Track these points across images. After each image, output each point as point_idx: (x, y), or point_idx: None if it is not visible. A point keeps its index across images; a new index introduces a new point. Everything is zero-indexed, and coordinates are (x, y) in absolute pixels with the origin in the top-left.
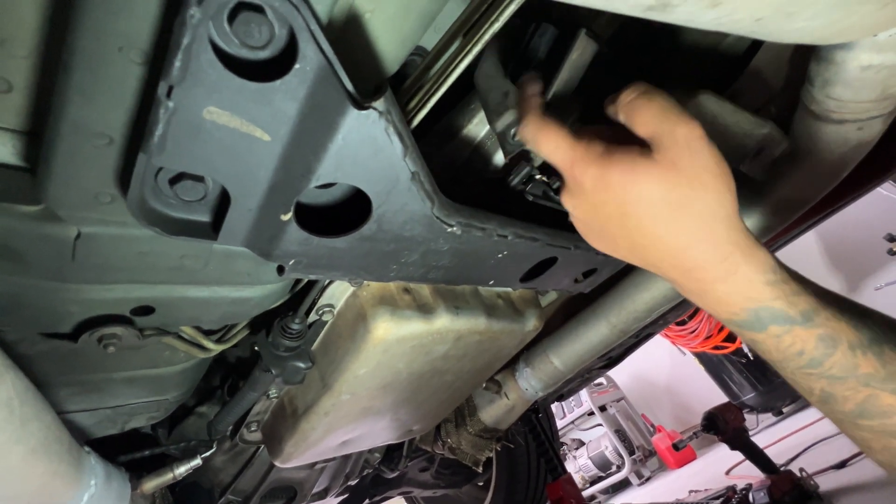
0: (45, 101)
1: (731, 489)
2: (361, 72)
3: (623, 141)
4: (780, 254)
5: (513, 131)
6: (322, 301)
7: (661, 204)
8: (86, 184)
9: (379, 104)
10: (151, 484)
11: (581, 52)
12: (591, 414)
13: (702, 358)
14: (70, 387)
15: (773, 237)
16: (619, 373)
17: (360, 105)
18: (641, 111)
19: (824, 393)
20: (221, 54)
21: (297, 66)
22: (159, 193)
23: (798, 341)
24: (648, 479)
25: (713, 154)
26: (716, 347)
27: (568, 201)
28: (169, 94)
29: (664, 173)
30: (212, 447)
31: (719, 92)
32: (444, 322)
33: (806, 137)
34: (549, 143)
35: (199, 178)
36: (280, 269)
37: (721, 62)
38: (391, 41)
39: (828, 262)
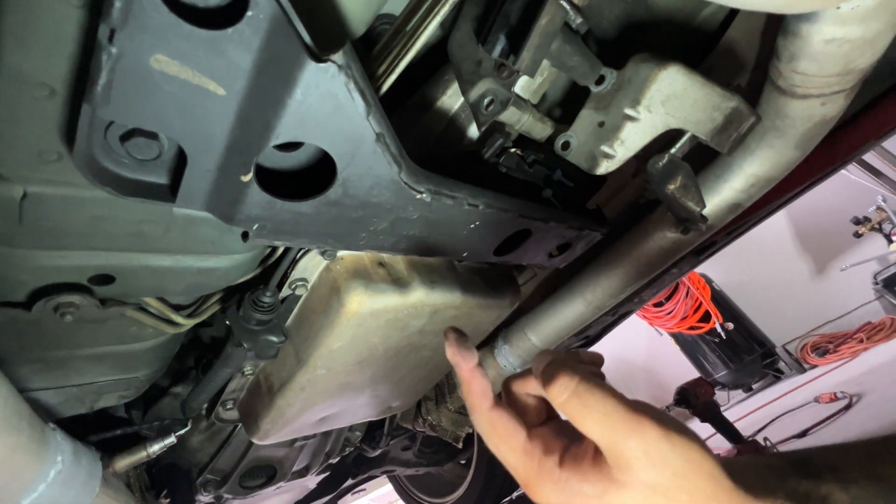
0: None
1: None
2: (323, 29)
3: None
4: (751, 233)
5: (486, 101)
6: (295, 275)
7: None
8: (28, 139)
9: (338, 57)
10: (124, 462)
11: (551, 17)
12: None
13: (678, 338)
14: (32, 364)
15: (741, 215)
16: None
17: (318, 57)
18: (582, 418)
19: None
20: None
21: (249, 13)
22: (109, 151)
23: None
24: None
25: (676, 449)
26: (691, 328)
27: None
28: (111, 39)
29: (636, 497)
30: (186, 425)
31: (693, 65)
32: (419, 296)
33: (773, 113)
34: (498, 450)
35: (153, 136)
36: (244, 235)
37: (695, 37)
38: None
39: (797, 244)
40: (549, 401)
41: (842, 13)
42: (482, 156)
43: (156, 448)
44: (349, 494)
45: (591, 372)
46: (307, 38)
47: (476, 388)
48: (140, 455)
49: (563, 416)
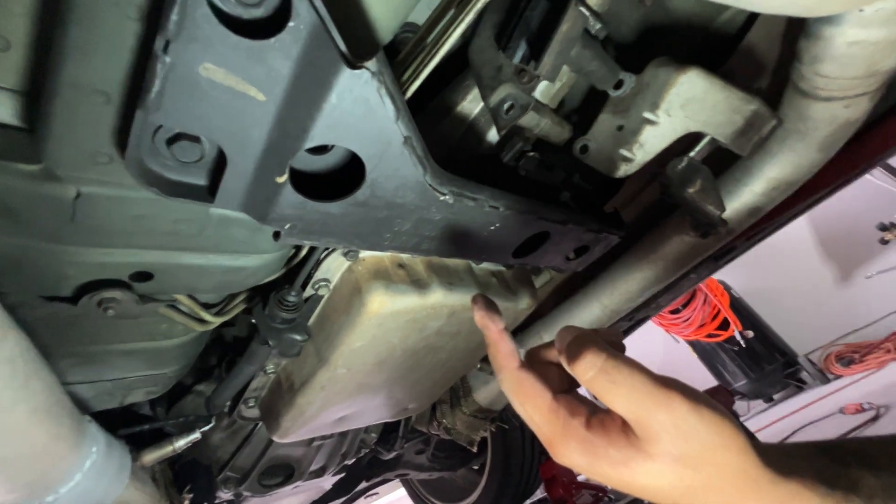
0: (42, 60)
1: None
2: (355, 37)
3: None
4: (772, 238)
5: (506, 106)
6: (318, 276)
7: (674, 493)
8: (84, 143)
9: (371, 64)
10: (151, 456)
11: (571, 23)
12: None
13: (695, 346)
14: (70, 358)
15: (762, 219)
16: None
17: (353, 64)
18: (610, 394)
19: None
20: (216, 10)
21: (290, 23)
22: (156, 154)
23: None
24: None
25: (706, 426)
26: (709, 335)
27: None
28: (165, 49)
29: (663, 468)
30: (210, 422)
31: (713, 68)
32: (437, 297)
33: (794, 116)
34: (524, 410)
35: (196, 140)
36: (276, 235)
37: (714, 41)
38: (384, 9)
39: (820, 251)
40: (573, 376)
41: (865, 15)
42: (501, 159)
43: (181, 443)
44: (362, 498)
45: (615, 348)
46: (343, 47)
47: (503, 349)
48: (166, 449)
49: (587, 393)
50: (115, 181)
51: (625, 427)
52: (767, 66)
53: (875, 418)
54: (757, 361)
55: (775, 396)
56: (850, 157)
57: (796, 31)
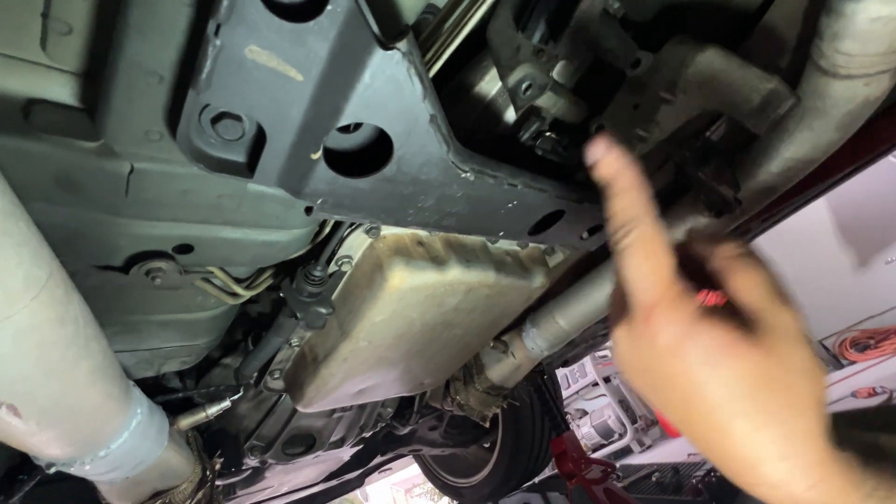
0: (101, 44)
1: None
2: (384, 19)
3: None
4: (790, 222)
5: (524, 86)
6: (341, 252)
7: (748, 398)
8: (138, 121)
9: (402, 45)
10: (187, 421)
11: (591, 3)
12: (596, 385)
13: None
14: (114, 326)
15: (777, 201)
16: None
17: (385, 45)
18: (744, 278)
19: None
20: None
21: (328, 7)
22: (202, 132)
23: None
24: (650, 446)
25: (810, 352)
26: None
27: (621, 338)
28: (217, 33)
29: (761, 360)
30: (239, 391)
31: (732, 47)
32: (455, 274)
33: (814, 94)
34: (646, 262)
35: (238, 118)
36: (308, 210)
37: (733, 19)
38: None
39: (838, 235)
40: (713, 254)
41: None
42: (519, 139)
43: (213, 410)
44: (376, 472)
45: None
46: (376, 29)
47: (641, 198)
48: (200, 416)
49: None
50: (165, 157)
51: (737, 320)
52: (787, 44)
53: (888, 401)
54: None
55: None
56: (870, 138)
57: (817, 8)
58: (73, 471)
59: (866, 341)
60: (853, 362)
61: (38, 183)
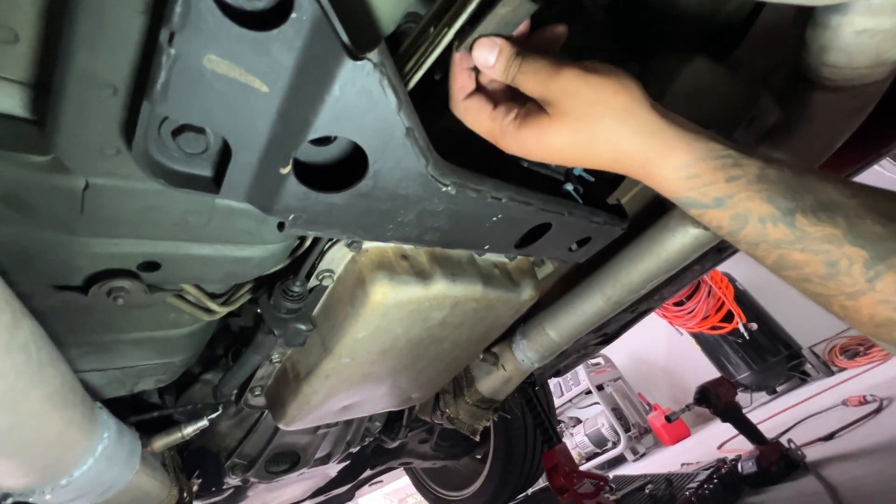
0: (51, 53)
1: (721, 461)
2: (357, 28)
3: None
4: None
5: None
6: (322, 266)
7: (573, 146)
8: (92, 135)
9: (373, 55)
10: (161, 442)
11: (512, 9)
12: (589, 393)
13: (699, 338)
14: (81, 346)
15: None
16: (616, 353)
17: (355, 56)
18: (523, 83)
19: (748, 252)
20: (220, 2)
21: (293, 15)
22: (162, 146)
23: (714, 219)
24: (643, 455)
25: (590, 84)
26: (713, 328)
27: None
28: (170, 41)
29: (562, 124)
30: (218, 409)
31: (721, 58)
32: (440, 288)
33: (800, 106)
34: (471, 124)
35: (201, 131)
36: (280, 225)
37: (721, 30)
38: (385, 1)
39: None
40: (498, 73)
41: (873, 4)
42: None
43: (190, 430)
44: (367, 486)
45: (548, 46)
46: (345, 38)
47: (458, 83)
48: (175, 436)
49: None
50: (123, 173)
51: (539, 106)
52: (774, 56)
53: (878, 410)
54: (761, 354)
55: (778, 388)
56: (858, 149)
57: (804, 20)
58: (32, 500)
59: (856, 348)
60: (843, 369)
61: None
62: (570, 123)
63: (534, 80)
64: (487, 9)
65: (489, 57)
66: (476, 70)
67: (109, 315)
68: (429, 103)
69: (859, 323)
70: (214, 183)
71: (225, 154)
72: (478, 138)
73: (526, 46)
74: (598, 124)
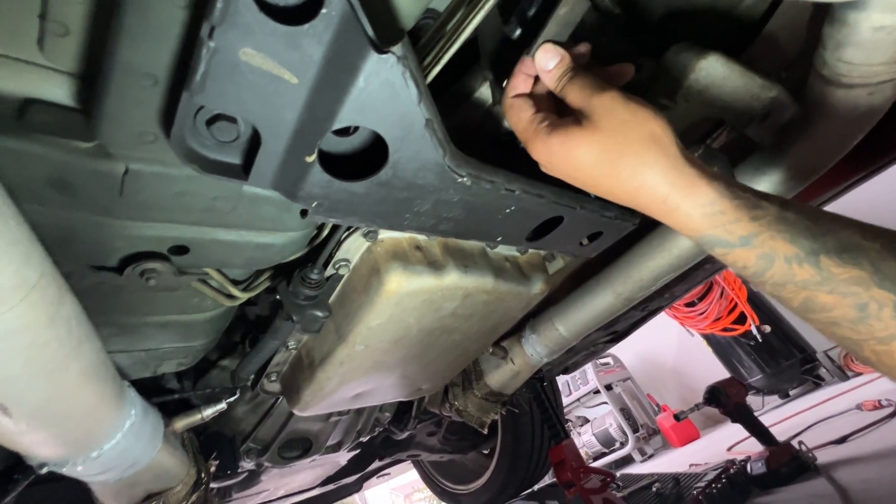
0: (97, 45)
1: (731, 462)
2: (381, 23)
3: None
4: None
5: None
6: (338, 256)
7: (597, 163)
8: (133, 122)
9: (397, 49)
10: (182, 423)
11: (570, 7)
12: (597, 392)
13: (710, 340)
14: (110, 327)
15: None
16: (626, 353)
17: (380, 49)
18: (569, 93)
19: (774, 294)
20: None
21: (323, 10)
22: (197, 134)
23: (740, 259)
24: (651, 456)
25: (629, 110)
26: (725, 329)
27: (541, 168)
28: (211, 35)
29: (593, 138)
30: (235, 393)
31: (735, 54)
32: (453, 279)
33: (816, 103)
34: (510, 121)
35: (233, 120)
36: (303, 212)
37: (737, 27)
38: None
39: None
40: (551, 80)
41: (891, 0)
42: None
43: (209, 412)
44: (374, 477)
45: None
46: (371, 32)
47: (513, 83)
48: (195, 417)
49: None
50: (160, 159)
51: (576, 120)
52: (790, 52)
53: (893, 414)
54: (773, 357)
55: (791, 392)
56: (876, 148)
57: (820, 17)
58: (65, 471)
59: None
60: (859, 374)
61: (31, 183)
62: (601, 138)
63: (580, 93)
64: (548, 13)
65: (550, 62)
66: (532, 78)
67: (138, 296)
68: (445, 96)
69: (892, 368)
70: (243, 170)
71: (254, 142)
72: (489, 130)
73: (592, 73)
74: (627, 146)
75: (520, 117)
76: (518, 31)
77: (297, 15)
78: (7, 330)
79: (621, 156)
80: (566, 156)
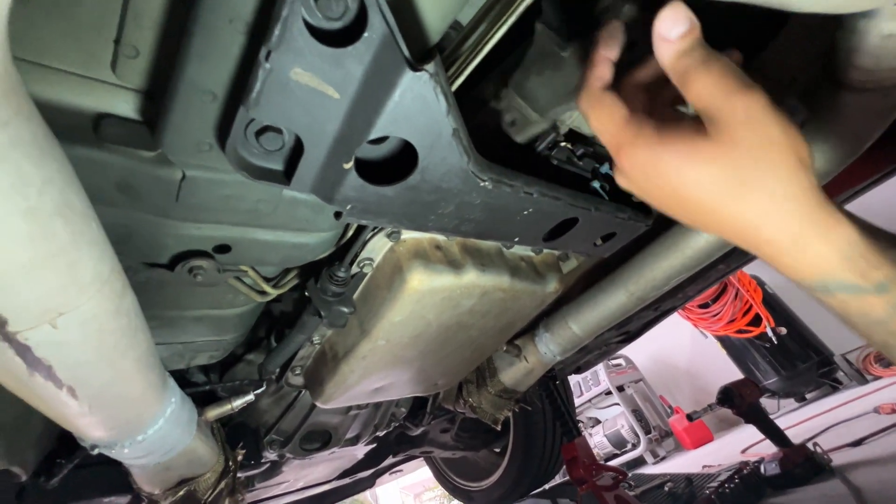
0: (162, 65)
1: (744, 463)
2: (411, 39)
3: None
4: None
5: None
6: (363, 255)
7: (723, 186)
8: (192, 134)
9: (430, 67)
10: (213, 413)
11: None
12: (609, 393)
13: (724, 341)
14: (152, 320)
15: None
16: (638, 354)
17: (415, 67)
18: (696, 81)
19: (885, 343)
20: (308, 24)
21: (365, 34)
22: (247, 144)
23: (867, 306)
24: (664, 458)
25: (779, 124)
26: (740, 331)
27: (620, 181)
28: (267, 58)
29: (724, 154)
30: (262, 386)
31: (747, 58)
32: (471, 277)
33: (828, 107)
34: (599, 121)
35: (279, 131)
36: (338, 214)
37: (749, 31)
38: (435, 15)
39: None
40: (669, 69)
41: None
42: (535, 149)
43: (239, 402)
44: (387, 474)
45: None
46: (407, 53)
47: (596, 72)
48: (226, 408)
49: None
50: (213, 166)
51: (695, 124)
52: (802, 57)
53: None
54: (790, 359)
55: (807, 396)
56: (889, 151)
57: (832, 22)
58: (113, 453)
59: None
60: (878, 377)
61: (102, 187)
62: (736, 156)
63: (713, 85)
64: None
65: (674, 29)
66: (613, 64)
67: (180, 292)
68: (465, 102)
69: None
70: (285, 176)
71: (296, 151)
72: (506, 138)
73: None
74: (769, 171)
75: (610, 118)
76: (494, 39)
77: (341, 38)
78: (84, 319)
79: (758, 180)
80: (676, 172)
